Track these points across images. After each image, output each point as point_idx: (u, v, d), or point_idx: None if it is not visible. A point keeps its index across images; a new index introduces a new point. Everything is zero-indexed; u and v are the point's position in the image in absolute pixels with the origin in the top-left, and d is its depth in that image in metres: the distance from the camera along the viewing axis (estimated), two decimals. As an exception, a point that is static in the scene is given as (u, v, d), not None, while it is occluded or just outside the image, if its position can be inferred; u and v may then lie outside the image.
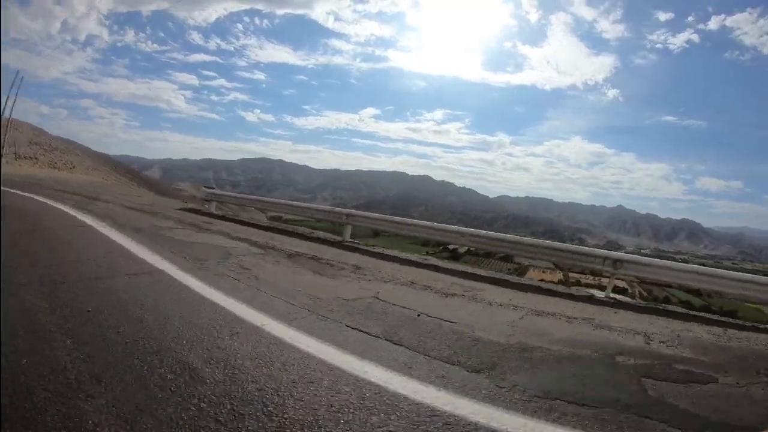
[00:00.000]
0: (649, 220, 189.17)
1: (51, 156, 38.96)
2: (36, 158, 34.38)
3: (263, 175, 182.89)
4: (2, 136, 27.54)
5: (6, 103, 29.41)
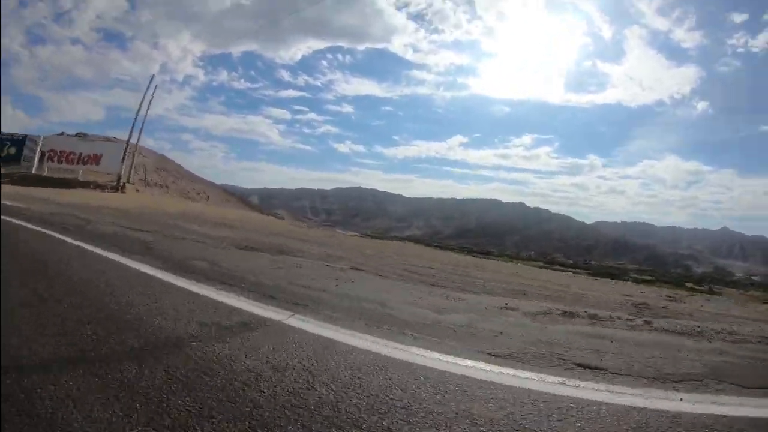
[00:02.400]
0: (758, 242, 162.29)
1: (181, 184, 40.06)
2: (166, 186, 35.28)
3: (357, 204, 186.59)
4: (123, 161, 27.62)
5: (133, 130, 30.76)
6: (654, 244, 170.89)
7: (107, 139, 32.41)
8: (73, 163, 31.26)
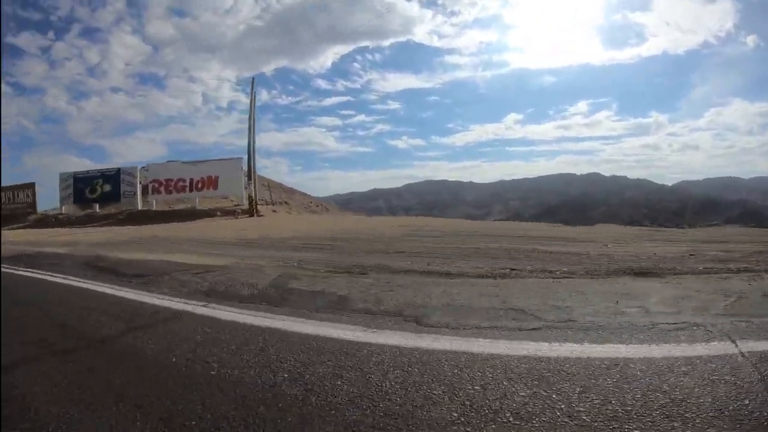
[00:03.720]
0: None
1: (300, 198, 33.70)
2: (285, 202, 27.87)
3: (432, 197, 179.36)
4: (250, 180, 19.82)
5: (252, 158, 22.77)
6: (745, 199, 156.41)
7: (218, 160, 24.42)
8: (184, 191, 23.64)
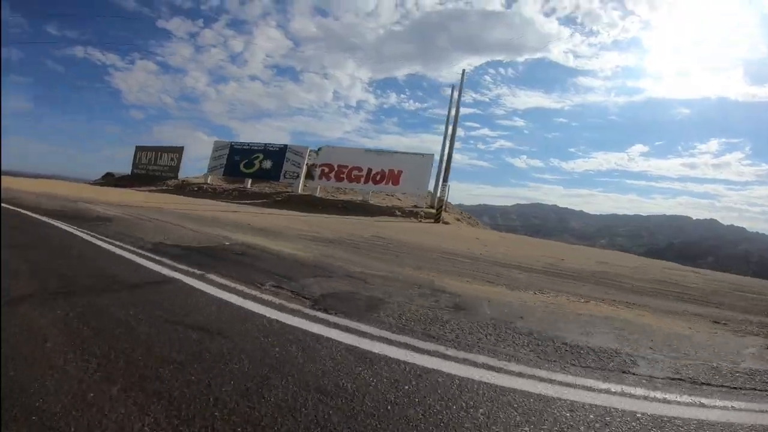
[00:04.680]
0: None
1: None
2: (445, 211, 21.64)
3: (538, 221, 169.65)
4: (443, 181, 14.53)
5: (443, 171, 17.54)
6: None
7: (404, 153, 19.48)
8: (357, 181, 18.93)
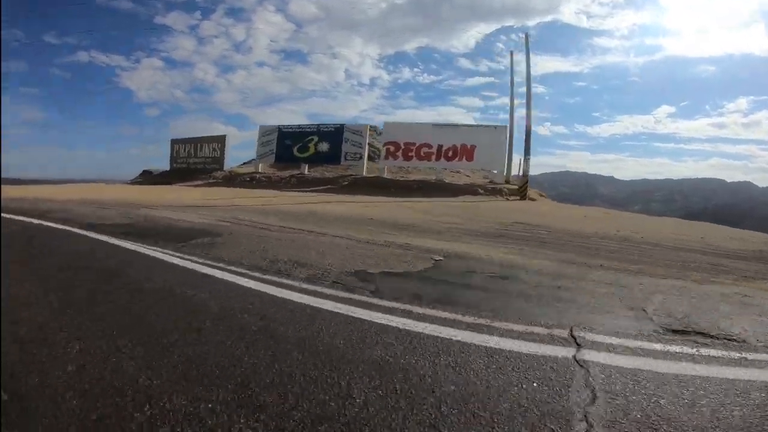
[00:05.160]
0: None
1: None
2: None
3: (567, 189, 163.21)
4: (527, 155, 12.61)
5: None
6: None
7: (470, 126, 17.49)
8: (428, 159, 17.10)
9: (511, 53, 17.57)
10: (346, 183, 17.07)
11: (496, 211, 10.33)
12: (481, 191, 15.60)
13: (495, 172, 16.84)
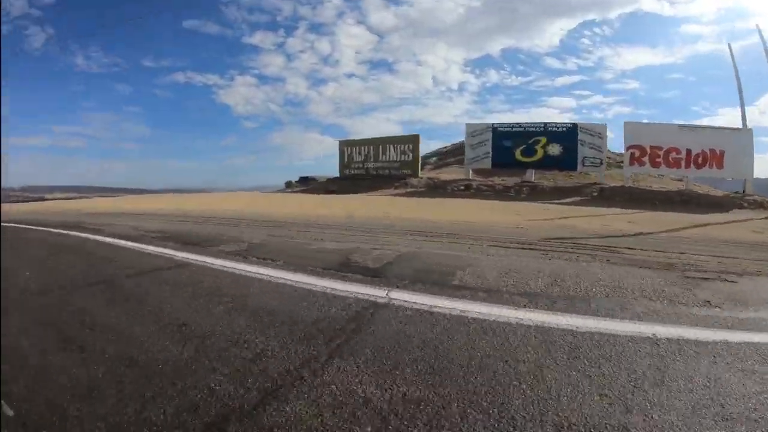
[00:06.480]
0: None
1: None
2: None
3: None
4: None
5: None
6: None
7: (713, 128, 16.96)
8: (677, 166, 16.59)
9: (729, 46, 17.03)
10: (595, 193, 16.32)
11: None
12: (745, 205, 15.47)
13: (745, 180, 16.66)
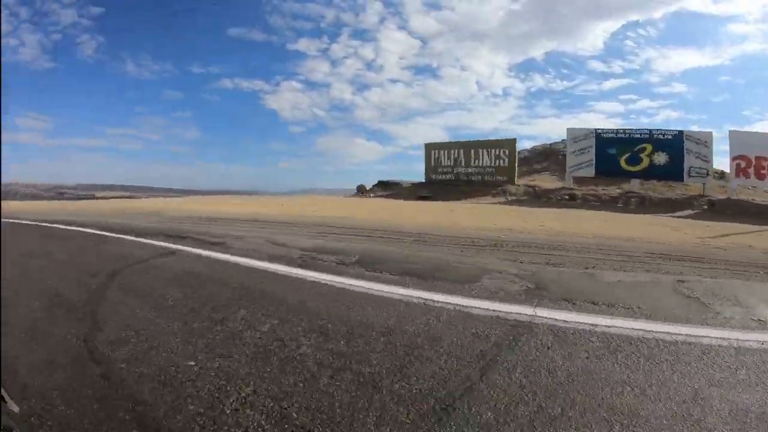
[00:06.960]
0: None
1: None
2: None
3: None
4: None
5: None
6: None
7: None
8: (783, 178, 16.86)
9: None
10: (705, 206, 16.53)
11: None
12: None
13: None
